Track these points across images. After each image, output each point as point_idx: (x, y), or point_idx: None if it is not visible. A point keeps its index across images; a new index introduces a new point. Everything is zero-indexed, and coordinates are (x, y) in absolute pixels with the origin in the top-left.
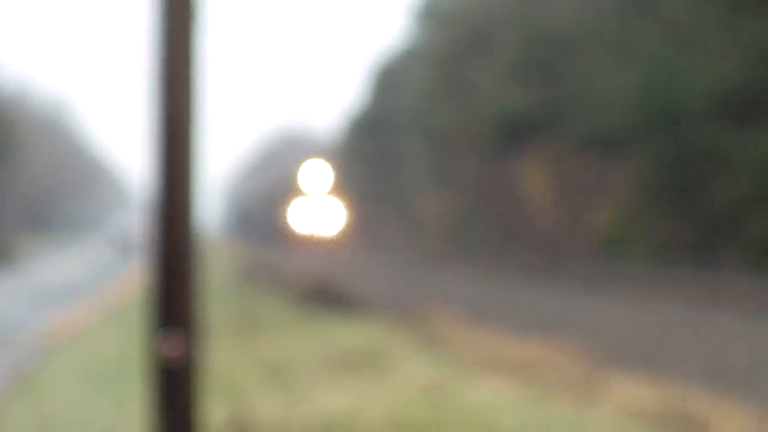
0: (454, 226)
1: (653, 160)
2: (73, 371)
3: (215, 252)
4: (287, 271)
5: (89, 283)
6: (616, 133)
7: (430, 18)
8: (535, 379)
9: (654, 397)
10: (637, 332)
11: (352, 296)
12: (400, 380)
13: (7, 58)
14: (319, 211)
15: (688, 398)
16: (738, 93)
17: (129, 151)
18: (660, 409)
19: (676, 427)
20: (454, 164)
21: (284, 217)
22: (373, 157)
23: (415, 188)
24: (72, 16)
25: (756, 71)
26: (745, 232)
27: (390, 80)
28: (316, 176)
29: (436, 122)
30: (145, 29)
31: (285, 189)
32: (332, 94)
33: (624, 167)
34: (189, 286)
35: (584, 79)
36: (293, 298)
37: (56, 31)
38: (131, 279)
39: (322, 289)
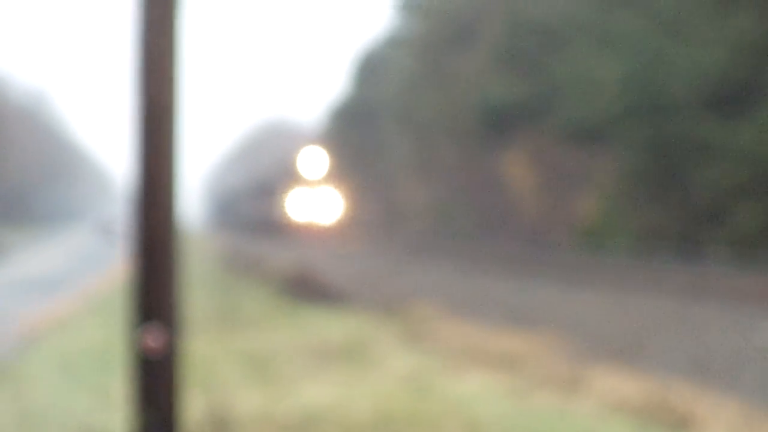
0: (436, 216)
1: (637, 151)
2: (54, 362)
3: (197, 244)
4: (270, 263)
5: (73, 274)
6: (600, 123)
7: (413, 8)
8: (517, 371)
9: (637, 389)
10: (620, 324)
11: (334, 288)
12: (383, 373)
13: None
14: (316, 199)
15: (671, 391)
16: (722, 83)
17: (113, 142)
18: (643, 402)
19: (659, 419)
20: (437, 154)
21: (278, 206)
22: (356, 147)
23: (398, 178)
24: (55, 5)
25: (740, 61)
26: (729, 223)
27: (373, 70)
28: (313, 164)
29: (420, 112)
30: (127, 20)
31: (278, 178)
32: (315, 85)
33: (608, 158)
34: (170, 279)
35: (568, 68)
36: (275, 289)
37: (38, 21)
38: (115, 269)
39: (304, 280)
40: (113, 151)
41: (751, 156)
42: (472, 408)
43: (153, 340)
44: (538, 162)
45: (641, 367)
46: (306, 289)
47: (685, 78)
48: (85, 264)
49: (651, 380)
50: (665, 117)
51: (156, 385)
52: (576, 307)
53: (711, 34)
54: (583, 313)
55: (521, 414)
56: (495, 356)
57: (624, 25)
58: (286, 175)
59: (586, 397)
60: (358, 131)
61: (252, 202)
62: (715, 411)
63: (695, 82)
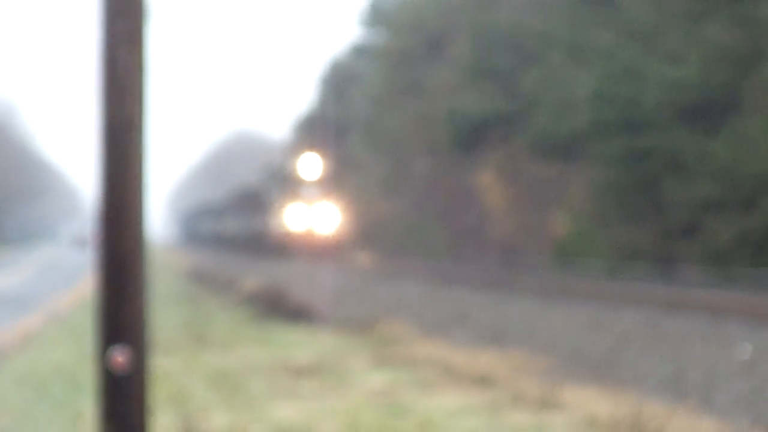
0: (408, 232)
1: (610, 166)
2: (22, 380)
3: (167, 260)
4: (243, 281)
5: (42, 292)
6: (573, 138)
7: (382, 23)
8: (490, 389)
9: (610, 406)
10: (594, 341)
11: (305, 307)
12: (355, 391)
13: None
14: (310, 210)
15: (643, 408)
16: (695, 97)
17: (82, 157)
18: (616, 418)
19: None
20: (408, 169)
21: (270, 220)
22: (325, 161)
23: (369, 193)
24: (26, 24)
25: (713, 75)
26: (703, 238)
27: (343, 83)
28: (309, 170)
29: (390, 126)
30: (94, 35)
31: (267, 190)
32: (284, 97)
33: (580, 173)
34: (138, 298)
35: (540, 83)
36: (248, 308)
37: (7, 35)
38: (84, 286)
39: (276, 299)
40: (82, 167)
41: (724, 170)
42: (444, 425)
43: (121, 358)
44: (510, 177)
45: (615, 383)
46: (278, 307)
47: (657, 92)
48: (53, 281)
49: (624, 397)
50: (638, 132)
51: (124, 404)
52: (549, 324)
53: (683, 48)
54: (556, 331)
55: (493, 430)
56: (468, 375)
57: (596, 39)
58: (277, 187)
59: (559, 414)
60: (328, 145)
61: (237, 216)
62: (690, 429)
63: (668, 96)
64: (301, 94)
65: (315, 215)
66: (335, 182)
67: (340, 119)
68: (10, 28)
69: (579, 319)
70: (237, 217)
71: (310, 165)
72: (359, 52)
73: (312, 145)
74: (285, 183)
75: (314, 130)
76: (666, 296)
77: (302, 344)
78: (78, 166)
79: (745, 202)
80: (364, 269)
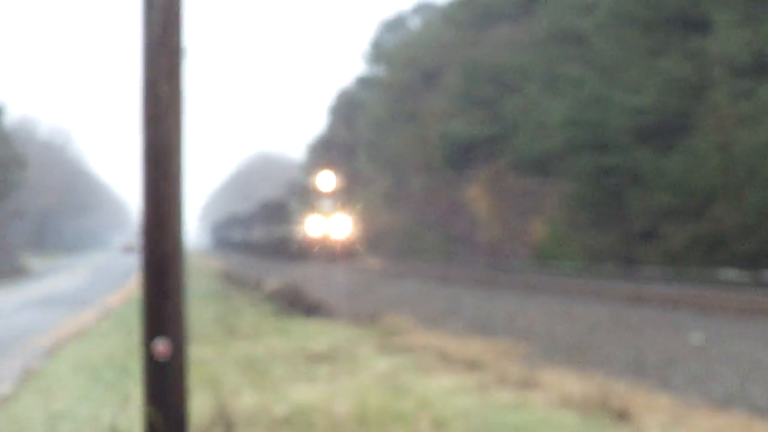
0: (407, 240)
1: (580, 181)
2: (77, 366)
3: (201, 264)
4: (266, 281)
5: (93, 292)
6: (548, 157)
7: (384, 59)
8: (478, 372)
9: (581, 386)
10: (568, 331)
11: (320, 303)
12: (363, 374)
13: (17, 90)
14: (327, 219)
15: (611, 387)
16: (652, 120)
17: (128, 176)
18: (585, 396)
19: (601, 412)
20: (406, 185)
21: (292, 228)
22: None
23: (373, 206)
24: (80, 61)
25: (667, 100)
26: (659, 241)
27: (350, 111)
28: (325, 185)
29: (390, 148)
30: (139, 72)
31: (290, 201)
32: (300, 123)
33: (555, 187)
34: (177, 296)
35: (519, 110)
36: (270, 304)
37: (64, 69)
38: (129, 287)
39: (295, 296)
40: (129, 184)
41: (677, 184)
42: (440, 403)
43: (162, 348)
44: (495, 190)
45: (585, 366)
46: (298, 303)
47: (620, 117)
48: (105, 282)
49: (594, 378)
50: (604, 151)
51: (166, 387)
52: (529, 316)
53: (642, 79)
54: (535, 322)
55: (482, 408)
56: (460, 360)
57: (567, 71)
58: (297, 199)
59: (538, 393)
60: (338, 163)
61: (263, 225)
62: (648, 405)
63: (629, 120)
64: (314, 120)
65: (330, 224)
66: (346, 195)
67: (348, 141)
68: (66, 66)
69: (554, 311)
70: (262, 226)
71: (326, 181)
72: (364, 83)
73: (325, 164)
74: (304, 196)
75: (326, 151)
76: (628, 291)
77: (318, 335)
78: (125, 183)
79: (696, 210)
80: (371, 270)
